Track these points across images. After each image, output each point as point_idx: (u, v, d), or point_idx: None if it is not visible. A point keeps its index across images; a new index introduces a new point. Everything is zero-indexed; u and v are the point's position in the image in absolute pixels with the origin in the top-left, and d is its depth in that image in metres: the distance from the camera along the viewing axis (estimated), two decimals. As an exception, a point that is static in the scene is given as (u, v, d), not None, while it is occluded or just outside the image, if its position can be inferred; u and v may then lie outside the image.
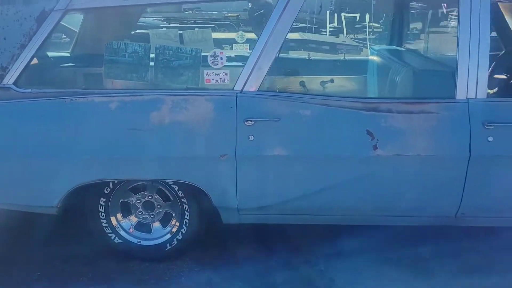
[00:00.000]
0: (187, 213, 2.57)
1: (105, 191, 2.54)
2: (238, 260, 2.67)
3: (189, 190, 2.48)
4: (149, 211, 2.64)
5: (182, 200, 2.55)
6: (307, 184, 2.40)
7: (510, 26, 3.29)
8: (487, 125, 2.27)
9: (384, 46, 3.73)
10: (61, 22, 2.42)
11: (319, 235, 2.84)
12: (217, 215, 2.52)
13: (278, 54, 2.42)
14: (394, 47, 3.61)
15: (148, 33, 4.34)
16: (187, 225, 2.59)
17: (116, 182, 2.52)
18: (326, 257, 2.66)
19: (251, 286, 2.46)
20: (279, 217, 2.57)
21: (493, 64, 3.26)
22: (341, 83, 3.29)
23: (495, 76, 3.26)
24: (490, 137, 2.28)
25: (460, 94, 2.32)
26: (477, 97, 2.31)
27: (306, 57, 3.86)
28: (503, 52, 3.31)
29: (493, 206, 2.43)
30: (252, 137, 2.31)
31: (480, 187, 2.37)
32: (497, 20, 3.23)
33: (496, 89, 3.18)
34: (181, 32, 4.37)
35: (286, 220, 2.63)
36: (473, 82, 2.31)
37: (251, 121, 2.30)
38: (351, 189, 2.40)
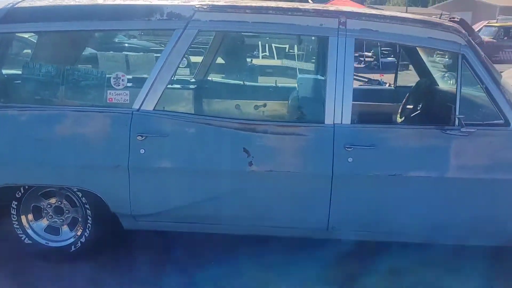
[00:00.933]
0: (89, 218, 2.84)
1: (17, 195, 2.82)
2: (135, 264, 2.91)
3: (90, 197, 2.76)
4: (58, 215, 2.91)
5: (85, 206, 2.82)
6: (192, 195, 2.68)
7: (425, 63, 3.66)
8: (347, 148, 2.56)
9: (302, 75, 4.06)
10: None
11: (220, 244, 3.08)
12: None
13: (173, 78, 2.74)
14: (308, 76, 3.94)
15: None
16: (89, 229, 2.86)
17: (26, 187, 2.80)
18: (220, 263, 2.91)
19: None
20: (173, 224, 2.84)
21: (407, 95, 3.63)
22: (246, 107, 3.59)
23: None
24: (350, 158, 2.57)
25: (328, 120, 2.62)
26: (343, 122, 2.61)
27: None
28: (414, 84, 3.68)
29: (358, 220, 2.70)
30: (143, 151, 2.60)
31: (345, 203, 2.65)
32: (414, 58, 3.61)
33: (403, 118, 3.52)
34: (127, 54, 4.71)
35: (180, 228, 2.89)
36: (339, 109, 2.61)
37: (141, 136, 2.59)
38: (231, 201, 2.68)
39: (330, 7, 3.06)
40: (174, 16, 2.65)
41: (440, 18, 3.30)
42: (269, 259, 2.96)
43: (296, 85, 3.65)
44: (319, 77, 3.59)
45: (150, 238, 3.10)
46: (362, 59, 16.68)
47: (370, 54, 16.60)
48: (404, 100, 3.58)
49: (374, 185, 2.61)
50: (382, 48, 14.82)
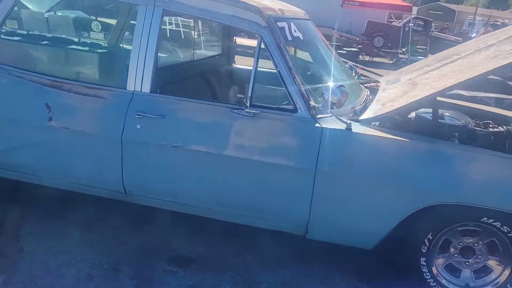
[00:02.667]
0: None
1: None
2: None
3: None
4: None
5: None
6: (4, 143, 2.83)
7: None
8: (137, 115, 2.62)
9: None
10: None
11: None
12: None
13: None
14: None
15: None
16: None
17: None
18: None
19: None
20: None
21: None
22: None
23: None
24: (139, 125, 2.63)
25: (130, 86, 2.69)
26: (142, 90, 2.67)
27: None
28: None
29: (150, 187, 2.76)
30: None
31: (135, 168, 2.72)
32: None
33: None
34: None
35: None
36: (140, 77, 2.67)
37: None
38: (37, 152, 2.83)
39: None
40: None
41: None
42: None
43: (106, 50, 3.71)
44: (127, 45, 3.60)
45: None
46: (398, 56, 16.39)
47: (403, 50, 16.35)
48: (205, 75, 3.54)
49: (160, 154, 2.65)
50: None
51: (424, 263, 2.56)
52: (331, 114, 2.56)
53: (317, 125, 2.49)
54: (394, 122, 2.78)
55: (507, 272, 2.52)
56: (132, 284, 2.55)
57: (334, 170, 2.46)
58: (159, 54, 2.73)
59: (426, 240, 2.52)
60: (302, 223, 2.62)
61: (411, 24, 17.77)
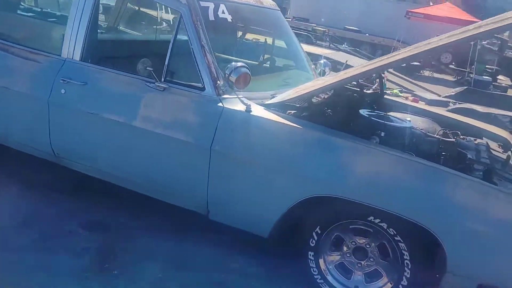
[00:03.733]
0: None
1: None
2: None
3: None
4: None
5: None
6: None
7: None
8: (63, 80, 2.77)
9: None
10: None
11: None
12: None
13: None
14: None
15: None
16: None
17: None
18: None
19: None
20: None
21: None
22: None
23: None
24: (63, 90, 2.78)
25: (64, 53, 2.85)
26: (73, 58, 2.82)
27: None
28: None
29: (76, 152, 2.90)
30: None
31: (62, 131, 2.87)
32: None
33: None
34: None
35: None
36: (73, 45, 2.83)
37: None
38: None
39: None
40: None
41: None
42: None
43: (52, 19, 3.86)
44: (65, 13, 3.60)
45: None
46: (464, 74, 15.51)
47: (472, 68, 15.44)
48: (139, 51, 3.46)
49: (80, 120, 2.78)
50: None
51: (312, 258, 2.47)
52: (237, 96, 2.55)
53: (219, 104, 2.50)
54: (315, 111, 2.71)
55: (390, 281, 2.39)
56: (33, 239, 2.68)
57: (227, 150, 2.45)
58: (99, 30, 2.88)
59: (314, 234, 2.43)
60: (203, 202, 2.63)
61: (484, 42, 16.78)
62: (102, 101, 2.74)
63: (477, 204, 2.10)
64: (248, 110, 2.45)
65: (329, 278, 2.47)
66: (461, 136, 2.80)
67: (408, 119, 3.00)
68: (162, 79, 2.58)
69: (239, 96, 2.49)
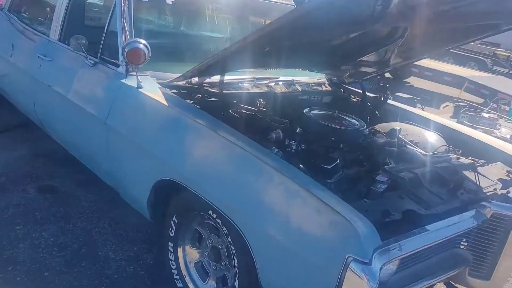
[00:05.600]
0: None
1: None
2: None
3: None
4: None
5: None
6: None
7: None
8: (40, 56, 3.14)
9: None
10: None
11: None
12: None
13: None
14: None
15: None
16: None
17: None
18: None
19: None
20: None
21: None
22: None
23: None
24: (39, 65, 3.14)
25: (51, 35, 3.22)
26: (54, 38, 3.17)
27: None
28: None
29: (48, 122, 3.24)
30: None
31: (42, 105, 3.24)
32: None
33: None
34: None
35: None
36: (55, 28, 3.18)
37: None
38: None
39: None
40: None
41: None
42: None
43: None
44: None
45: None
46: None
47: None
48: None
49: (46, 93, 3.07)
50: None
51: (171, 249, 2.25)
52: (146, 74, 2.51)
53: (122, 80, 2.50)
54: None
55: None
56: None
57: (115, 125, 2.43)
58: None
59: (172, 223, 2.22)
60: (107, 177, 2.67)
61: None
62: (56, 74, 3.00)
63: (287, 210, 1.66)
64: (139, 86, 2.40)
65: (186, 275, 2.22)
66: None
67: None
68: (98, 57, 2.72)
69: (137, 74, 2.45)
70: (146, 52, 2.40)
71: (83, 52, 2.70)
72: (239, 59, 2.32)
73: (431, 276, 1.85)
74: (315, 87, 3.23)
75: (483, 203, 1.96)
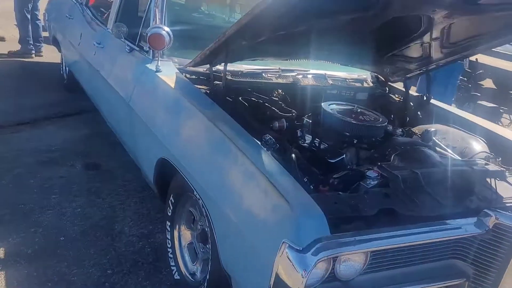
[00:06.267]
0: None
1: None
2: None
3: None
4: None
5: None
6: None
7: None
8: (96, 44, 3.40)
9: None
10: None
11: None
12: None
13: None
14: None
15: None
16: None
17: None
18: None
19: None
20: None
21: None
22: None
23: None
24: (94, 51, 3.41)
25: (108, 25, 3.49)
26: (109, 28, 3.43)
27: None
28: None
29: (95, 100, 3.50)
30: None
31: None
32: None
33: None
34: None
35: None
36: (111, 19, 3.43)
37: None
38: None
39: None
40: None
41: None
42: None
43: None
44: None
45: None
46: None
47: None
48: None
49: (96, 76, 3.32)
50: None
51: (169, 228, 2.30)
52: (169, 60, 2.60)
53: (147, 64, 2.62)
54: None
55: None
56: (34, 162, 3.37)
57: (134, 106, 2.56)
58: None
59: (170, 202, 2.27)
60: (134, 156, 2.81)
61: None
62: (102, 60, 3.25)
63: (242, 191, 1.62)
64: (157, 70, 2.49)
65: (178, 254, 2.26)
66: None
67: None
68: (136, 44, 2.89)
69: (159, 58, 2.55)
70: (167, 38, 2.49)
71: (123, 38, 2.88)
72: (248, 47, 2.30)
73: (413, 283, 1.68)
74: (353, 83, 3.10)
75: (486, 210, 1.73)
